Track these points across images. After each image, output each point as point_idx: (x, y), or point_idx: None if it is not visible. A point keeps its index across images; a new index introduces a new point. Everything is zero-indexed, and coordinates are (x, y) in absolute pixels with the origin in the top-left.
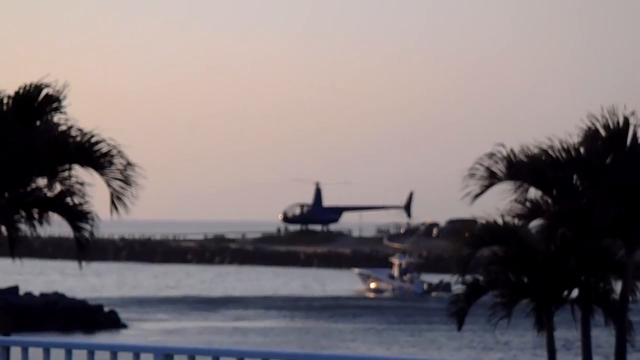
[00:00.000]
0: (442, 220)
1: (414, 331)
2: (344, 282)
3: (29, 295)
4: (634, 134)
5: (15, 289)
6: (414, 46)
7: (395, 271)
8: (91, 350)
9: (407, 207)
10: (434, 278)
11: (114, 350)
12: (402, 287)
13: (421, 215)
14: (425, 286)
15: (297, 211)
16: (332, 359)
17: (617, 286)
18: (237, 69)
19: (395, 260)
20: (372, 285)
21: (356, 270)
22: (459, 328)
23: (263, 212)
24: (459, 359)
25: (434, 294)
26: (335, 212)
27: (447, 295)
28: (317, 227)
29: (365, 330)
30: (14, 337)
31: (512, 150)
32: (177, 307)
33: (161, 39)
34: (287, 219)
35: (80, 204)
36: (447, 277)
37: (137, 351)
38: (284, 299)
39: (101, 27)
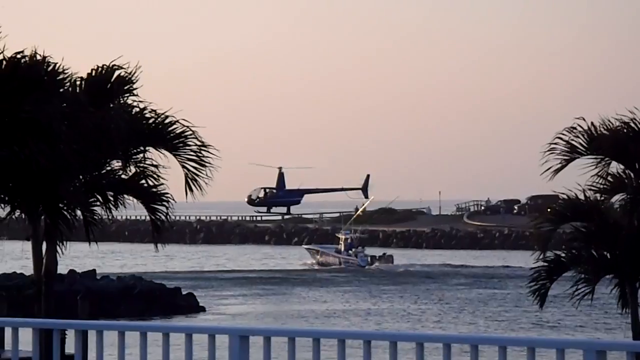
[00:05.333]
0: (522, 197)
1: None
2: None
3: (106, 279)
4: None
5: (92, 273)
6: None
7: (342, 246)
8: (166, 333)
9: (365, 189)
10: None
11: (189, 332)
12: (348, 260)
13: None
14: (368, 259)
15: (262, 194)
16: (404, 337)
17: None
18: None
19: (342, 236)
20: (320, 259)
21: (305, 246)
22: (541, 306)
23: (343, 194)
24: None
25: (375, 265)
26: (298, 195)
27: (388, 266)
28: (400, 206)
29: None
30: (89, 321)
31: (592, 124)
32: (258, 289)
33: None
34: (252, 201)
35: (155, 186)
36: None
37: (212, 333)
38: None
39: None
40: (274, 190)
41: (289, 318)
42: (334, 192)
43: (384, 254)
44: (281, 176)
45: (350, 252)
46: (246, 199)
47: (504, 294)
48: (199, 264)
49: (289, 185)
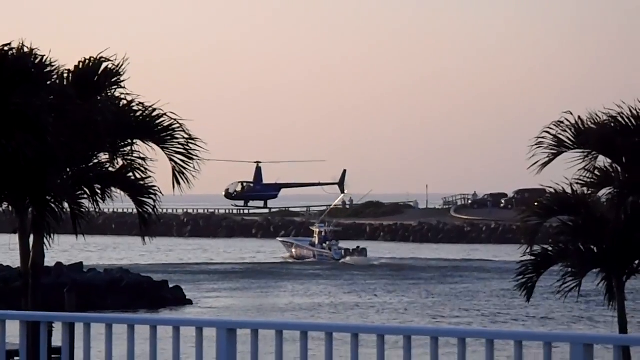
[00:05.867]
0: (509, 191)
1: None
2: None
3: (93, 272)
4: None
5: (79, 265)
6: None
7: (316, 239)
8: (153, 326)
9: (341, 184)
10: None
11: (177, 325)
12: (322, 253)
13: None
14: (342, 252)
15: (239, 188)
16: (391, 331)
17: None
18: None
19: (316, 229)
20: (295, 252)
21: (279, 239)
22: (528, 299)
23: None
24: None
25: (348, 258)
26: (275, 189)
27: (362, 259)
28: (387, 199)
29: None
30: (76, 314)
31: (579, 118)
32: (246, 282)
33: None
34: (229, 195)
35: (143, 179)
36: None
37: (199, 325)
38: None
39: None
40: (251, 185)
41: (275, 311)
42: (310, 186)
43: (358, 247)
44: (259, 170)
45: (324, 245)
46: (224, 193)
47: (472, 287)
48: (186, 257)
49: (265, 179)
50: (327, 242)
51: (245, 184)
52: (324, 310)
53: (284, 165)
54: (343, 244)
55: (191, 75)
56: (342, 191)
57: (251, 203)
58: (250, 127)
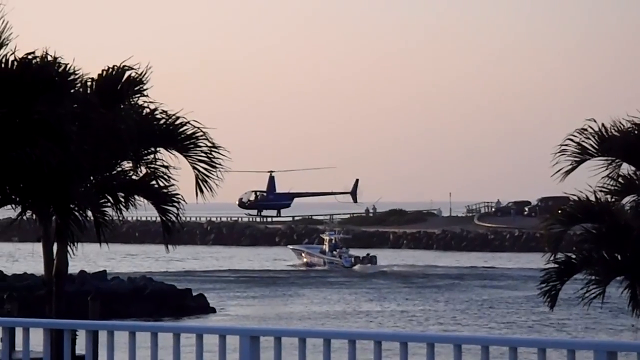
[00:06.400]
0: (533, 199)
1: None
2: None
3: (116, 279)
4: None
5: (103, 273)
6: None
7: (327, 247)
8: (177, 334)
9: (354, 193)
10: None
11: (200, 333)
12: (333, 261)
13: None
14: (352, 260)
15: (252, 197)
16: (414, 338)
17: None
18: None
19: (326, 237)
20: (305, 260)
21: (290, 246)
22: (552, 307)
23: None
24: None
25: (357, 266)
26: (288, 198)
27: (372, 266)
28: (410, 207)
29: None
30: (100, 321)
31: (603, 125)
32: (267, 290)
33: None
34: (243, 204)
35: (166, 187)
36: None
37: (222, 333)
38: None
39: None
40: (265, 194)
41: (296, 319)
42: (323, 195)
43: (368, 254)
44: (272, 179)
45: (334, 252)
46: (237, 202)
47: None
48: (209, 264)
49: (279, 188)
50: (337, 250)
51: (258, 193)
52: (342, 317)
53: (298, 174)
54: (363, 252)
55: (201, 85)
56: (355, 200)
57: (264, 212)
58: (263, 136)
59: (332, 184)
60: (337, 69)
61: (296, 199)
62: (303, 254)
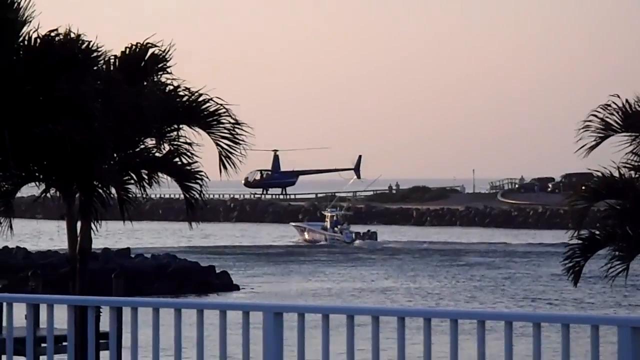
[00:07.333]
0: (557, 175)
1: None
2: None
3: (140, 257)
4: None
5: (127, 251)
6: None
7: (328, 223)
8: (200, 310)
9: (357, 169)
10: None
11: (223, 309)
12: (334, 237)
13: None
14: (353, 235)
15: (258, 176)
16: (437, 314)
17: None
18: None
19: (328, 214)
20: (307, 236)
21: (292, 223)
22: (575, 283)
23: (371, 172)
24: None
25: (357, 242)
26: (292, 176)
27: (372, 242)
28: (434, 184)
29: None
30: (123, 298)
31: (627, 101)
32: (293, 267)
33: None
34: (248, 183)
35: (189, 164)
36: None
37: (246, 310)
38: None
39: None
40: (270, 172)
41: (319, 296)
42: (327, 172)
43: (368, 230)
44: (276, 158)
45: (335, 229)
46: (243, 181)
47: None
48: (233, 242)
49: (283, 167)
50: (339, 226)
51: (264, 172)
52: (353, 295)
53: (309, 153)
54: (386, 228)
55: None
56: (358, 176)
57: (270, 190)
58: (267, 115)
59: (343, 163)
60: (356, 49)
61: (302, 177)
62: (305, 231)
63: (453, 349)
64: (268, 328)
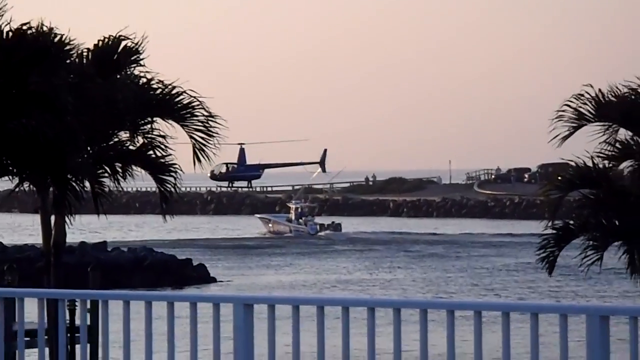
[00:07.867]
0: (533, 165)
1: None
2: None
3: (117, 250)
4: None
5: (103, 245)
6: None
7: (293, 215)
8: (170, 302)
9: (322, 163)
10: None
11: (194, 301)
12: (299, 228)
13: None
14: (317, 227)
15: (223, 169)
16: (408, 304)
17: None
18: None
19: (292, 205)
20: (272, 228)
21: (257, 215)
22: (550, 273)
23: (349, 163)
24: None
25: (322, 233)
26: (258, 169)
27: (335, 233)
28: (410, 175)
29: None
30: (93, 291)
31: (600, 91)
32: (268, 260)
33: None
34: (214, 176)
35: (163, 157)
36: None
37: (216, 302)
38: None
39: None
40: (235, 166)
41: (293, 288)
42: (292, 166)
43: (333, 222)
44: (242, 151)
45: (300, 220)
46: (209, 174)
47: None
48: (209, 234)
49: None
50: (303, 218)
51: (229, 165)
52: (345, 285)
53: (276, 146)
54: (363, 220)
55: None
56: (324, 170)
57: (236, 183)
58: (234, 108)
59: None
60: (331, 31)
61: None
62: (270, 223)
63: (423, 339)
64: (238, 320)
